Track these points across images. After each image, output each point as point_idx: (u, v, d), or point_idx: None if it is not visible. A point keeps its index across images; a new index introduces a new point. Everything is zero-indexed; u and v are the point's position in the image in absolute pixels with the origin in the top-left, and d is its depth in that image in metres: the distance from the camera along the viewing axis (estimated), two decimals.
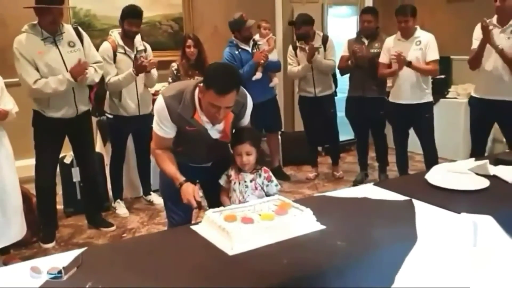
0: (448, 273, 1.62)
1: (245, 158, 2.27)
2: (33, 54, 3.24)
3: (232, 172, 2.34)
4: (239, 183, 2.31)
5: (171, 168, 2.21)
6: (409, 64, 3.91)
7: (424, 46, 3.96)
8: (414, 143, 4.36)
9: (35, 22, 3.29)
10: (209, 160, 2.40)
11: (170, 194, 2.36)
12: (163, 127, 2.18)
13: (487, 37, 3.51)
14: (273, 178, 2.37)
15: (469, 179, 2.25)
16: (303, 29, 4.49)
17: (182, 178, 2.16)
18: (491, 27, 3.50)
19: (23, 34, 3.28)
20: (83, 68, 3.33)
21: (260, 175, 2.33)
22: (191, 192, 2.11)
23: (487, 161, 2.37)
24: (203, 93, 2.06)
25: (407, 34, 4.03)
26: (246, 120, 2.35)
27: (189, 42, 4.17)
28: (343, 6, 6.10)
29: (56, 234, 3.62)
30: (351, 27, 5.76)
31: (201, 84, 2.06)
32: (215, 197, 2.37)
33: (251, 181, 2.31)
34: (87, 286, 1.41)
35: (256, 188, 2.30)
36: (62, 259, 1.57)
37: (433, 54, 3.97)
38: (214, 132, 2.24)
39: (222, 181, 2.37)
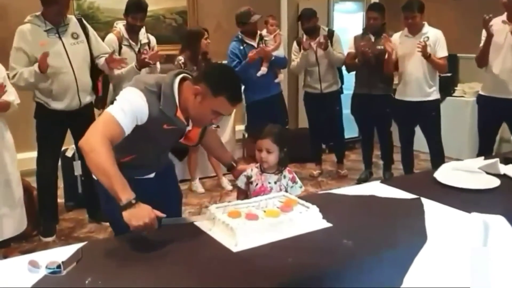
0: (458, 273, 1.58)
1: (264, 155, 2.16)
2: (35, 45, 3.20)
3: (253, 173, 2.23)
4: (262, 184, 2.20)
5: (120, 174, 1.61)
6: (428, 57, 3.83)
7: (432, 42, 3.91)
8: (419, 141, 4.32)
9: (38, 13, 3.26)
10: (157, 168, 2.07)
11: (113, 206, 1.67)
12: (128, 120, 1.71)
13: (489, 33, 3.47)
14: (298, 179, 2.26)
15: (480, 178, 2.21)
16: (312, 22, 4.46)
17: (133, 194, 1.59)
18: (491, 22, 3.45)
19: (26, 24, 3.25)
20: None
21: (285, 176, 2.23)
22: (150, 212, 1.59)
23: (497, 159, 2.33)
24: (203, 97, 1.76)
25: (414, 30, 3.98)
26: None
27: (207, 34, 4.14)
28: (349, 1, 6.04)
29: (56, 228, 3.59)
30: (357, 23, 5.70)
31: (195, 86, 1.77)
32: (168, 213, 1.74)
33: (275, 182, 2.21)
34: (86, 282, 1.37)
35: (280, 190, 2.15)
36: (62, 253, 1.53)
37: (443, 51, 3.93)
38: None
39: (241, 182, 2.25)
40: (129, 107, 1.72)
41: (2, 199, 2.94)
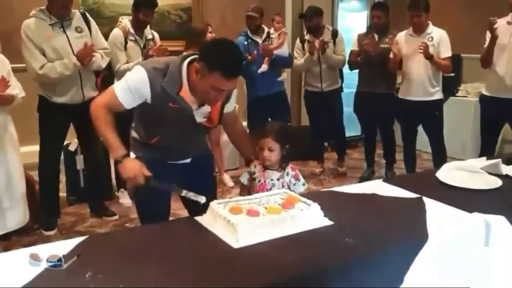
0: (459, 273, 1.57)
1: (266, 153, 2.15)
2: (41, 38, 3.22)
3: (256, 169, 2.23)
4: (265, 181, 2.20)
5: (114, 136, 1.90)
6: (431, 57, 3.83)
7: (436, 42, 3.90)
8: (422, 141, 4.31)
9: (43, 7, 3.27)
10: (189, 153, 2.15)
11: (145, 189, 1.97)
12: (129, 97, 1.91)
13: (494, 35, 3.46)
14: (301, 176, 2.26)
15: (481, 178, 2.20)
16: (315, 21, 4.44)
17: (123, 151, 1.88)
18: (496, 25, 3.44)
19: (31, 18, 3.26)
20: (90, 52, 3.31)
21: (287, 173, 2.22)
22: (138, 167, 1.84)
23: (499, 160, 2.32)
24: (202, 74, 1.83)
25: (419, 29, 3.96)
26: (231, 103, 2.16)
27: (210, 28, 4.12)
28: (353, 0, 6.03)
29: (57, 221, 3.60)
30: (362, 21, 5.69)
31: (196, 63, 1.87)
32: (196, 203, 1.90)
33: (278, 179, 2.20)
34: (86, 276, 1.37)
35: (283, 187, 2.15)
36: (63, 247, 1.53)
37: (447, 51, 3.92)
38: (199, 115, 2.00)
39: (244, 178, 2.26)
40: (129, 84, 1.91)
41: (5, 192, 2.94)
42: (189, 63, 1.93)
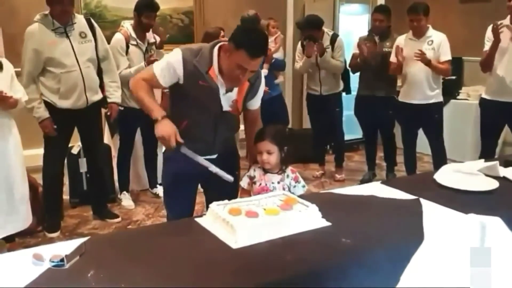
0: (454, 273, 1.60)
1: (265, 157, 2.18)
2: (44, 44, 3.24)
3: (256, 173, 2.24)
4: (266, 184, 2.22)
5: (151, 99, 2.09)
6: (428, 63, 3.86)
7: (436, 46, 3.92)
8: (422, 143, 4.33)
9: (47, 12, 3.30)
10: (215, 147, 2.23)
11: (172, 182, 2.29)
12: (165, 73, 2.10)
13: (497, 39, 3.48)
14: (300, 178, 2.28)
15: (478, 180, 2.22)
16: (308, 32, 4.43)
17: (163, 113, 2.04)
18: (502, 29, 3.46)
19: (34, 24, 3.28)
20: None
21: (287, 176, 2.24)
22: (173, 130, 2.00)
23: (497, 162, 2.34)
24: (229, 53, 2.00)
25: (419, 33, 3.99)
26: (257, 99, 2.27)
27: (223, 33, 4.15)
28: (355, 3, 6.06)
29: (61, 223, 3.64)
30: (363, 25, 5.71)
31: (227, 43, 2.03)
32: (217, 200, 1.96)
33: (278, 182, 2.22)
34: (88, 275, 1.40)
35: (283, 190, 2.16)
36: (65, 247, 1.55)
37: (446, 55, 3.94)
38: (225, 101, 2.15)
39: (244, 182, 2.27)
40: (166, 62, 2.10)
41: (7, 194, 2.97)
42: (220, 48, 2.09)
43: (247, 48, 1.94)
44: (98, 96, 3.57)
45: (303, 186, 2.28)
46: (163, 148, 2.23)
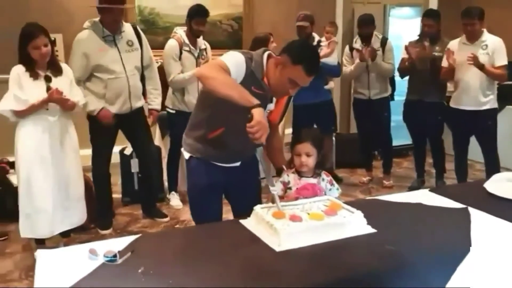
0: (501, 284, 1.56)
1: (304, 159, 2.16)
2: (93, 51, 3.36)
3: (290, 178, 2.22)
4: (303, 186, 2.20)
5: (241, 87, 1.89)
6: (481, 67, 3.75)
7: (491, 50, 3.80)
8: (474, 150, 4.19)
9: (97, 19, 3.42)
10: (242, 155, 2.18)
11: (199, 193, 2.20)
12: (235, 70, 1.95)
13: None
14: (334, 182, 2.27)
15: None
16: (371, 28, 4.47)
17: (257, 100, 1.84)
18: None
19: (85, 31, 3.41)
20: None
21: (323, 179, 2.23)
22: (267, 125, 1.83)
23: None
24: (283, 66, 1.96)
25: (473, 37, 3.88)
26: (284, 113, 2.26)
27: (272, 38, 4.19)
28: (406, 7, 5.95)
29: (112, 221, 3.78)
30: (414, 28, 5.60)
31: (278, 56, 2.00)
32: (241, 207, 2.03)
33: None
34: (139, 271, 1.47)
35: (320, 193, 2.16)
36: (118, 244, 1.65)
37: (502, 59, 3.81)
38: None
39: (278, 188, 2.13)
40: (235, 59, 1.98)
41: (67, 192, 3.13)
42: (268, 56, 2.06)
43: (305, 64, 1.92)
44: (141, 102, 3.68)
45: (337, 189, 2.26)
46: (187, 155, 2.18)
